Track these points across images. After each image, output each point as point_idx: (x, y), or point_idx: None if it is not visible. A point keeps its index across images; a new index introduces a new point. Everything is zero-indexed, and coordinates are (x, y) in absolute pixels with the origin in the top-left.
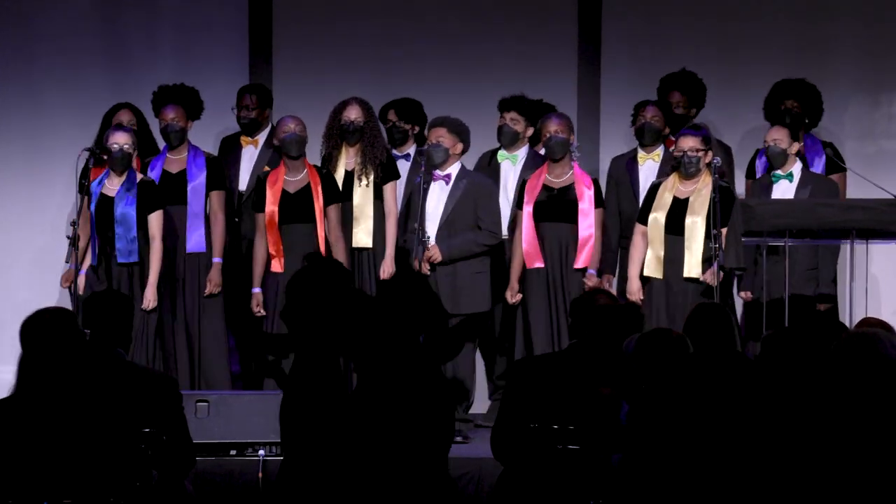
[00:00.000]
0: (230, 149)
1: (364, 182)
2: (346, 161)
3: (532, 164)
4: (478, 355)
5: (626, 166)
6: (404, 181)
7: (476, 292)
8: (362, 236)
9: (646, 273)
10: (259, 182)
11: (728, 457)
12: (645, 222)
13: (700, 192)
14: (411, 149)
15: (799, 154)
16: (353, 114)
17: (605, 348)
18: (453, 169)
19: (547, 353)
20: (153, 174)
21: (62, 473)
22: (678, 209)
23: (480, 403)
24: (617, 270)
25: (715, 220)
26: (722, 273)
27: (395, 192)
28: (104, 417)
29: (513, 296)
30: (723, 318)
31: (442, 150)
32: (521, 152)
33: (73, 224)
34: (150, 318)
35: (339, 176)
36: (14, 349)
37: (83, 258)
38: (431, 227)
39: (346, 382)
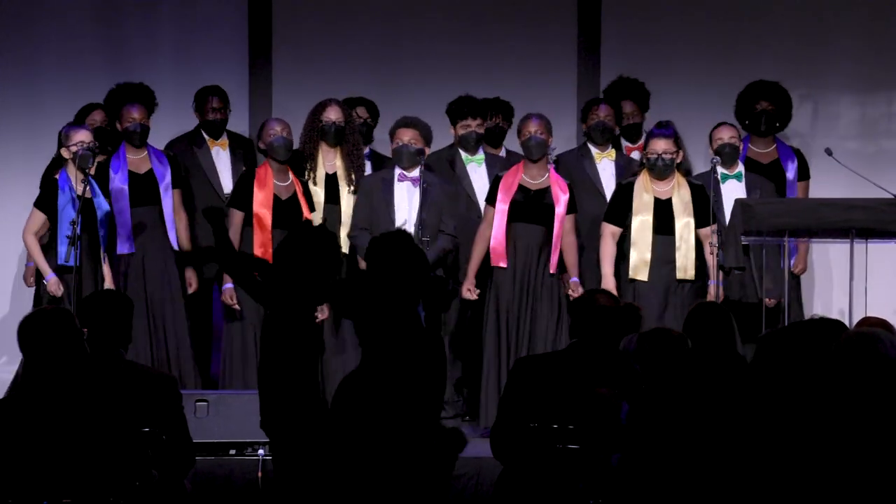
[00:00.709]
0: (185, 150)
1: (351, 187)
2: (327, 164)
3: (493, 162)
4: None
5: (582, 165)
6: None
7: None
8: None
9: (632, 276)
10: (241, 178)
11: (728, 456)
12: (616, 222)
13: (678, 193)
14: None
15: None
16: (333, 115)
17: (605, 348)
18: (417, 170)
19: (547, 352)
20: (119, 176)
21: (62, 473)
22: (662, 210)
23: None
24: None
25: (711, 219)
26: (721, 272)
27: None
28: (104, 417)
29: (472, 292)
30: (723, 318)
31: (416, 151)
32: (481, 152)
33: (73, 223)
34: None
35: (321, 177)
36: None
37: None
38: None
39: (320, 343)
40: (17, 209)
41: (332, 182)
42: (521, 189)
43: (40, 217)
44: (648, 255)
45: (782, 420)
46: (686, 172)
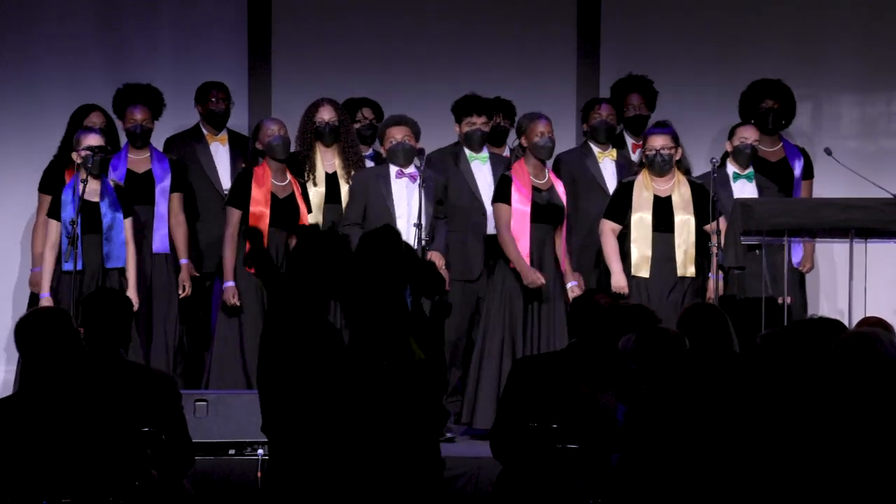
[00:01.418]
0: (184, 147)
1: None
2: (326, 163)
3: (497, 161)
4: None
5: (585, 165)
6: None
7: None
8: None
9: (633, 272)
10: (240, 177)
11: (727, 456)
12: (616, 220)
13: (678, 190)
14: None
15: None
16: (327, 114)
17: (605, 348)
18: (412, 166)
19: (547, 352)
20: (116, 174)
21: (61, 473)
22: (661, 207)
23: None
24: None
25: (711, 217)
26: (721, 271)
27: None
28: (103, 417)
29: (539, 276)
30: (718, 317)
31: (410, 149)
32: (485, 150)
33: (73, 223)
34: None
35: (321, 177)
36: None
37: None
38: (401, 225)
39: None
40: (17, 209)
41: (332, 181)
42: (535, 190)
43: (57, 227)
44: (649, 252)
45: (781, 419)
46: (685, 171)
